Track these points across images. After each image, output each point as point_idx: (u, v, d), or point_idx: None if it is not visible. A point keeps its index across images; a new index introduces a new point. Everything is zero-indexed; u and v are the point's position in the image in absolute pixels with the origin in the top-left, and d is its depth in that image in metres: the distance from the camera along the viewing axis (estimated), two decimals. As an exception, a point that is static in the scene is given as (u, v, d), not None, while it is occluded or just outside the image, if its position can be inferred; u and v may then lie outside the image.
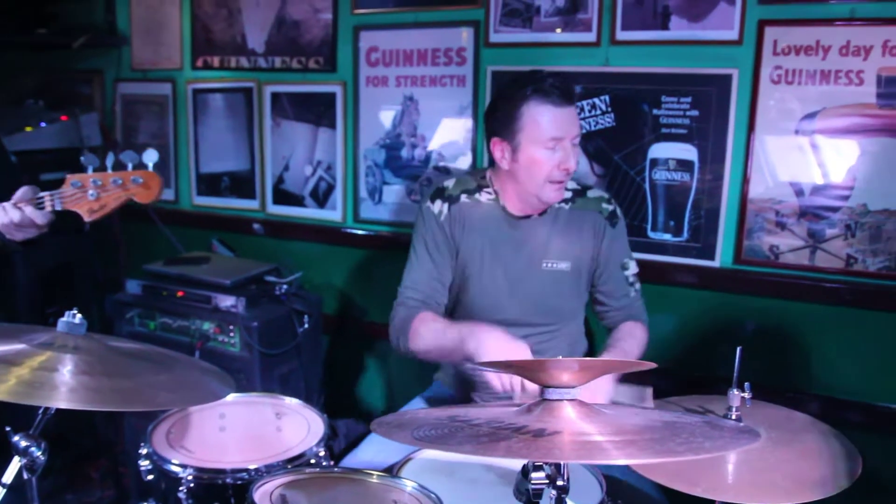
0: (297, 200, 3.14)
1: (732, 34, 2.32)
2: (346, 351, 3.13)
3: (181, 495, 1.68)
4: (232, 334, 2.64)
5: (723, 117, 2.37)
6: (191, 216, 3.42)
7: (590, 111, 2.54)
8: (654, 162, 2.49)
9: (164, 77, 3.37)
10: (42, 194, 1.93)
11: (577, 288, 2.13)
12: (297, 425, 1.92)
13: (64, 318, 1.52)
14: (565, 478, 1.05)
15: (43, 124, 3.17)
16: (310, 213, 3.12)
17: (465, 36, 2.71)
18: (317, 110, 3.02)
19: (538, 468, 1.07)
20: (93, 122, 3.37)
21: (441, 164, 2.82)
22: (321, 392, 2.95)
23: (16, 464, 1.44)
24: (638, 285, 2.16)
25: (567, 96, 1.91)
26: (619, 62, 2.49)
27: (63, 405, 1.25)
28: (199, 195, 3.39)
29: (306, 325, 2.78)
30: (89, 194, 1.88)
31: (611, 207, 2.12)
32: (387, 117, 2.89)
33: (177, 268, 2.85)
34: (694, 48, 2.38)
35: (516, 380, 1.75)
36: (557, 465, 1.05)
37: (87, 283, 3.24)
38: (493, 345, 1.77)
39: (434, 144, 2.82)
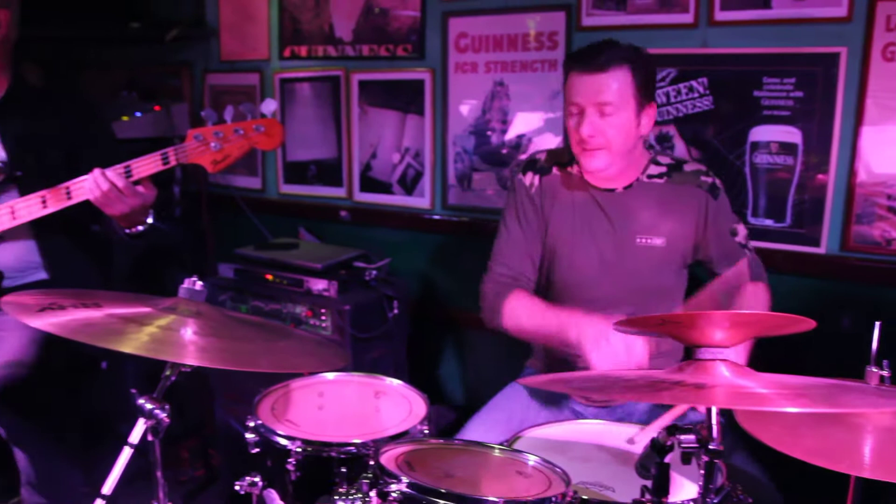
0: (384, 188, 3.15)
1: (840, 10, 2.24)
2: (432, 338, 3.13)
3: (289, 467, 1.69)
4: (324, 318, 2.66)
5: (829, 98, 2.29)
6: (277, 204, 3.46)
7: (687, 94, 2.49)
8: (755, 145, 2.42)
9: (251, 68, 3.43)
10: (165, 150, 1.99)
11: (673, 265, 2.07)
12: (397, 405, 1.91)
13: (185, 285, 1.55)
14: (718, 442, 1.01)
15: (138, 114, 3.26)
16: (397, 200, 3.12)
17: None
18: (405, 97, 3.03)
19: (687, 431, 1.04)
20: (183, 112, 3.44)
21: (532, 149, 2.79)
22: (409, 378, 2.94)
23: (141, 425, 1.47)
24: (751, 245, 2.09)
25: (593, 62, 1.87)
26: (718, 43, 2.43)
27: (194, 362, 1.27)
28: (286, 183, 3.43)
29: (396, 311, 2.78)
30: (212, 146, 1.94)
31: (710, 180, 2.04)
32: (476, 103, 2.88)
33: (268, 252, 2.89)
34: (798, 27, 2.30)
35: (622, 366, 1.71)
36: (709, 428, 1.01)
37: (177, 269, 3.30)
38: (597, 337, 1.73)
39: (524, 130, 2.80)
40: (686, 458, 1.05)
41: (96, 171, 2.01)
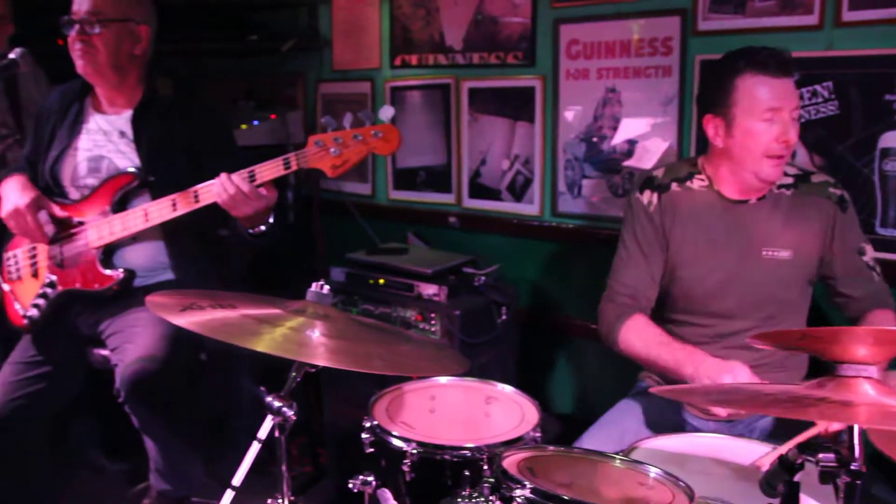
0: (493, 194, 3.17)
1: (984, 6, 2.11)
2: (540, 344, 3.12)
3: (405, 468, 1.72)
4: (433, 322, 2.70)
5: (970, 101, 2.16)
6: (387, 210, 3.54)
7: (810, 99, 2.40)
8: (886, 152, 2.30)
9: (363, 77, 3.52)
10: (287, 155, 2.08)
11: (799, 279, 2.01)
12: (508, 411, 1.92)
13: (313, 289, 1.61)
14: (861, 462, 0.97)
15: (256, 122, 3.41)
16: (506, 206, 3.13)
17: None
18: (515, 105, 3.04)
19: (826, 449, 1.00)
20: (297, 121, 3.58)
21: (644, 156, 2.75)
22: (517, 384, 2.95)
23: (269, 422, 1.54)
24: (879, 269, 2.02)
25: (783, 67, 1.85)
26: (845, 45, 2.33)
27: (324, 363, 1.32)
28: (395, 189, 3.51)
29: (504, 317, 2.80)
30: (331, 151, 2.01)
31: (838, 192, 2.00)
32: (587, 110, 2.86)
33: (378, 257, 2.96)
34: (937, 26, 2.19)
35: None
36: (851, 448, 0.98)
37: (289, 271, 3.42)
38: (714, 375, 1.73)
39: (635, 136, 2.76)
40: (825, 479, 1.01)
41: (223, 176, 2.12)
